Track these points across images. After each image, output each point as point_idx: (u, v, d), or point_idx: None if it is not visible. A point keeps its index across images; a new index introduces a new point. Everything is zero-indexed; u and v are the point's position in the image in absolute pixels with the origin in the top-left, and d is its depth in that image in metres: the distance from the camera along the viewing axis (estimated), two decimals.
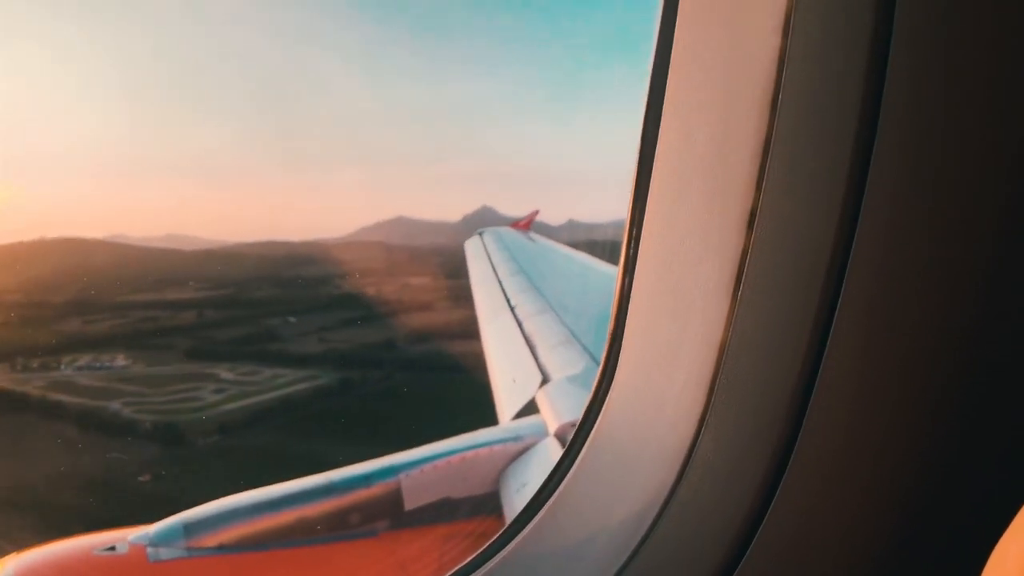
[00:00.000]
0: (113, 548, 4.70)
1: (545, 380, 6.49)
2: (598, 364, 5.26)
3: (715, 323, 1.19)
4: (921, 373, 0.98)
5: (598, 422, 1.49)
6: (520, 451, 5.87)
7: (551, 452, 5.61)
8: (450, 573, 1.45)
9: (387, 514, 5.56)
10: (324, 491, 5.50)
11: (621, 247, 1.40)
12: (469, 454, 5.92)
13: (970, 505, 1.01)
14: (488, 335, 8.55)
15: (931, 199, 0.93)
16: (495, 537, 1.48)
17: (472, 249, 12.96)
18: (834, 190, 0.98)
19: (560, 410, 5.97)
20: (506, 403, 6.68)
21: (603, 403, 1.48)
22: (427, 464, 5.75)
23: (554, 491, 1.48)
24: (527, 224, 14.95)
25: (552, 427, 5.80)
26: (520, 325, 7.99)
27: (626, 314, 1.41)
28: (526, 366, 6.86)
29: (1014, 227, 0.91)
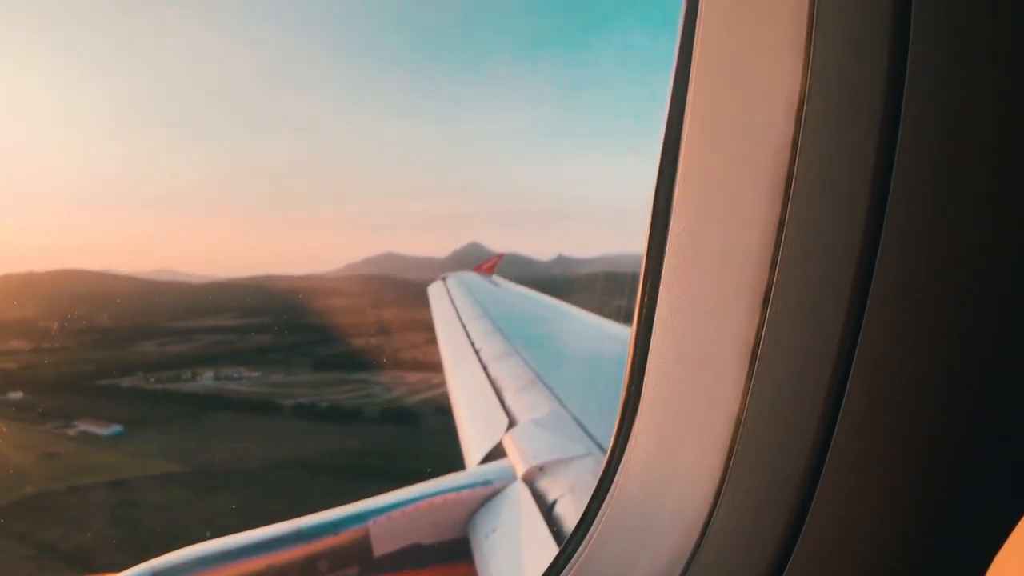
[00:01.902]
0: None
1: (512, 423, 6.53)
2: (563, 406, 5.33)
3: (731, 395, 1.24)
4: (932, 440, 1.04)
5: (613, 491, 1.51)
6: (489, 495, 5.88)
7: (519, 496, 5.63)
8: None
9: (356, 561, 5.51)
10: (292, 538, 5.44)
11: (632, 322, 1.44)
12: (437, 499, 5.91)
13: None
14: (453, 379, 8.56)
15: (940, 277, 0.99)
16: None
17: (436, 294, 12.95)
18: (844, 272, 1.03)
19: (527, 453, 6.00)
20: (473, 447, 6.69)
21: (617, 473, 1.50)
22: (395, 510, 5.73)
23: (569, 560, 1.51)
24: (491, 268, 14.97)
25: (520, 470, 5.83)
26: (485, 369, 8.02)
27: (641, 382, 1.44)
28: (492, 410, 6.90)
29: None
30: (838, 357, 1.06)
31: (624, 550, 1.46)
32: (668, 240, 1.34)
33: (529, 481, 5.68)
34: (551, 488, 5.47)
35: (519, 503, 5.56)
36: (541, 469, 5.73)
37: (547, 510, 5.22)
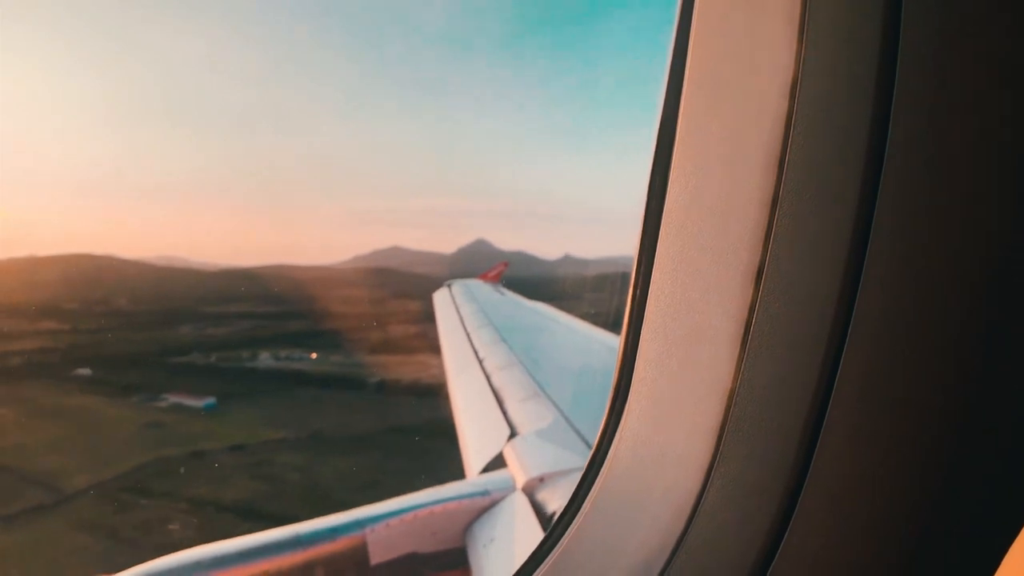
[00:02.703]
0: None
1: (513, 434, 6.49)
2: (566, 418, 5.30)
3: (723, 373, 1.24)
4: (924, 420, 1.03)
5: (603, 471, 1.50)
6: (488, 506, 5.85)
7: (519, 507, 5.59)
8: None
9: (352, 569, 5.47)
10: (288, 544, 5.41)
11: (627, 294, 1.43)
12: (436, 508, 5.87)
13: (981, 544, 1.05)
14: (456, 387, 8.54)
15: (932, 257, 0.99)
16: None
17: (440, 300, 12.97)
18: (838, 248, 1.04)
19: (528, 464, 5.96)
20: (473, 457, 6.66)
21: (608, 452, 1.50)
22: (393, 518, 5.69)
23: (557, 542, 1.49)
24: (496, 276, 15.02)
25: (520, 481, 5.79)
26: (488, 378, 8.00)
27: (633, 361, 1.43)
28: (494, 419, 6.87)
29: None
30: (831, 336, 1.06)
31: (613, 530, 1.44)
32: (662, 218, 1.34)
33: (529, 492, 5.64)
34: (551, 500, 5.43)
35: (518, 514, 5.52)
36: (542, 480, 5.70)
37: (547, 522, 5.17)
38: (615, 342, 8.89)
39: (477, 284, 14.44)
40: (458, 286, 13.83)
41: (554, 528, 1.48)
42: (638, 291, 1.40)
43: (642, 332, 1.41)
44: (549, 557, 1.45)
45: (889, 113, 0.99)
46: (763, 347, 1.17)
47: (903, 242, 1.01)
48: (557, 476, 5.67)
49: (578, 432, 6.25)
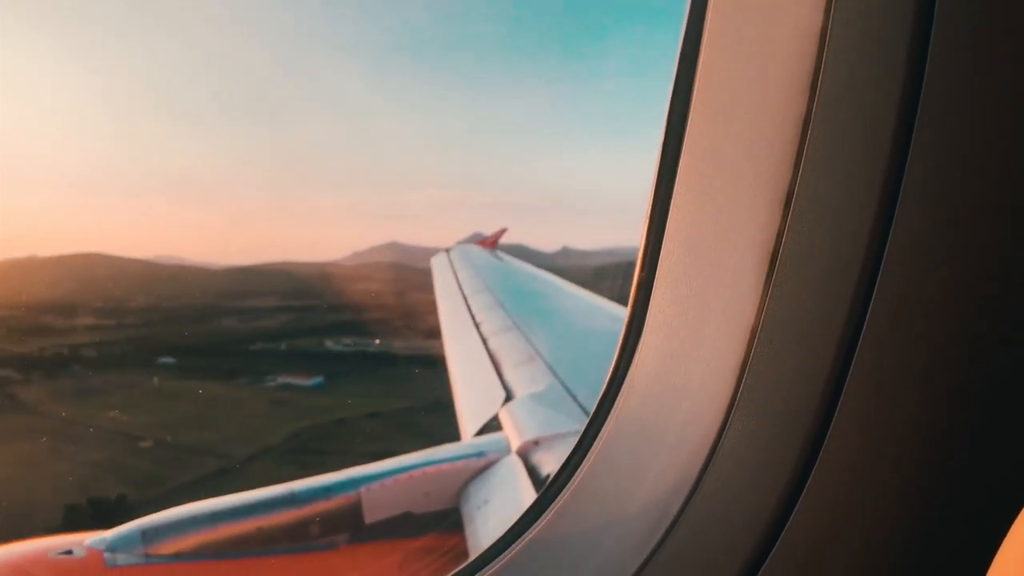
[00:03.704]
0: (70, 552, 4.60)
1: (509, 397, 6.51)
2: (562, 383, 5.26)
3: (746, 306, 1.14)
4: (957, 362, 0.98)
5: (616, 407, 1.41)
6: (482, 467, 5.87)
7: (513, 469, 5.62)
8: (468, 562, 1.43)
9: (347, 527, 5.50)
10: (284, 502, 5.43)
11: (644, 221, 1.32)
12: (431, 469, 5.89)
13: (994, 502, 1.01)
14: (452, 351, 8.54)
15: (973, 181, 0.93)
16: (507, 529, 1.45)
17: (438, 266, 12.94)
18: (873, 171, 0.96)
19: (523, 428, 5.98)
20: (469, 419, 6.68)
21: (621, 387, 1.40)
22: (388, 478, 5.72)
23: (569, 480, 1.43)
24: (493, 242, 14.97)
25: (515, 444, 5.81)
26: (485, 342, 8.00)
27: (649, 292, 1.33)
28: (490, 383, 6.88)
29: None
30: (863, 267, 0.98)
31: (625, 472, 1.38)
32: (683, 142, 1.22)
33: (524, 455, 5.66)
34: (545, 462, 5.45)
35: (513, 476, 5.54)
36: (536, 443, 5.71)
37: (541, 484, 5.20)
38: (612, 308, 8.84)
39: (476, 250, 14.38)
40: (456, 252, 13.78)
41: (565, 464, 1.42)
42: (656, 217, 1.29)
43: (659, 262, 1.30)
44: (562, 494, 1.40)
45: (930, 29, 0.92)
46: (789, 278, 1.08)
47: (943, 163, 0.93)
48: (552, 439, 5.69)
49: (574, 396, 6.27)
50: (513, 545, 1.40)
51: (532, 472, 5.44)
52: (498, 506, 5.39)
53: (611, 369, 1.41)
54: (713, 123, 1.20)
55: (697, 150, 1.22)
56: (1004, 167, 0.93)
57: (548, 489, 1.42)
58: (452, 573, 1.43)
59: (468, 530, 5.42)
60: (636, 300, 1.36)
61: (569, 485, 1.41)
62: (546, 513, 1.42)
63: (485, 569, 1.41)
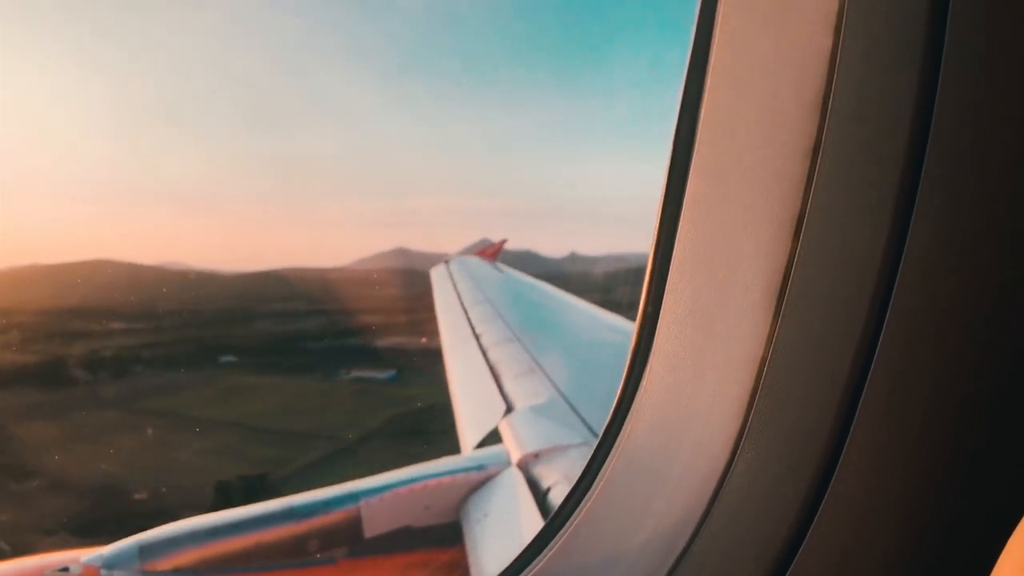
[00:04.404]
0: (66, 569, 4.56)
1: (509, 409, 6.48)
2: (562, 395, 5.25)
3: (755, 335, 1.13)
4: (970, 392, 0.95)
5: (621, 437, 1.39)
6: (482, 480, 5.84)
7: (513, 482, 5.59)
8: None
9: (346, 541, 5.47)
10: (282, 516, 5.40)
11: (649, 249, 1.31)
12: (431, 482, 5.86)
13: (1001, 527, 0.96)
14: (452, 363, 8.52)
15: (985, 208, 0.91)
16: (509, 564, 1.43)
17: (438, 277, 12.94)
18: (885, 197, 0.94)
19: (523, 440, 5.95)
20: (469, 431, 6.65)
21: (627, 416, 1.38)
22: (388, 491, 5.68)
23: (573, 512, 1.41)
24: (494, 253, 15.00)
25: (515, 457, 5.78)
26: (484, 354, 7.98)
27: (656, 319, 1.31)
28: (490, 395, 6.85)
29: None
30: (875, 297, 0.96)
31: (630, 505, 1.36)
32: (691, 165, 1.20)
33: (524, 468, 5.63)
34: (546, 475, 5.42)
35: (513, 489, 5.51)
36: (536, 456, 5.68)
37: (541, 497, 5.17)
38: (613, 320, 8.85)
39: (475, 261, 14.40)
40: (456, 263, 13.82)
41: (568, 499, 1.40)
42: (662, 243, 1.27)
43: (665, 288, 1.29)
44: (567, 526, 1.38)
45: (941, 52, 0.89)
46: (799, 306, 1.06)
47: (955, 190, 0.91)
48: (552, 452, 5.66)
49: (574, 408, 6.24)
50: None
51: (532, 485, 5.41)
52: (498, 519, 5.36)
53: (616, 398, 1.40)
54: (721, 146, 1.18)
55: (705, 173, 1.20)
56: (1019, 188, 0.90)
57: (552, 522, 1.41)
58: None
59: (468, 544, 5.38)
60: (641, 327, 1.34)
61: (573, 518, 1.40)
62: (549, 547, 1.41)
63: None
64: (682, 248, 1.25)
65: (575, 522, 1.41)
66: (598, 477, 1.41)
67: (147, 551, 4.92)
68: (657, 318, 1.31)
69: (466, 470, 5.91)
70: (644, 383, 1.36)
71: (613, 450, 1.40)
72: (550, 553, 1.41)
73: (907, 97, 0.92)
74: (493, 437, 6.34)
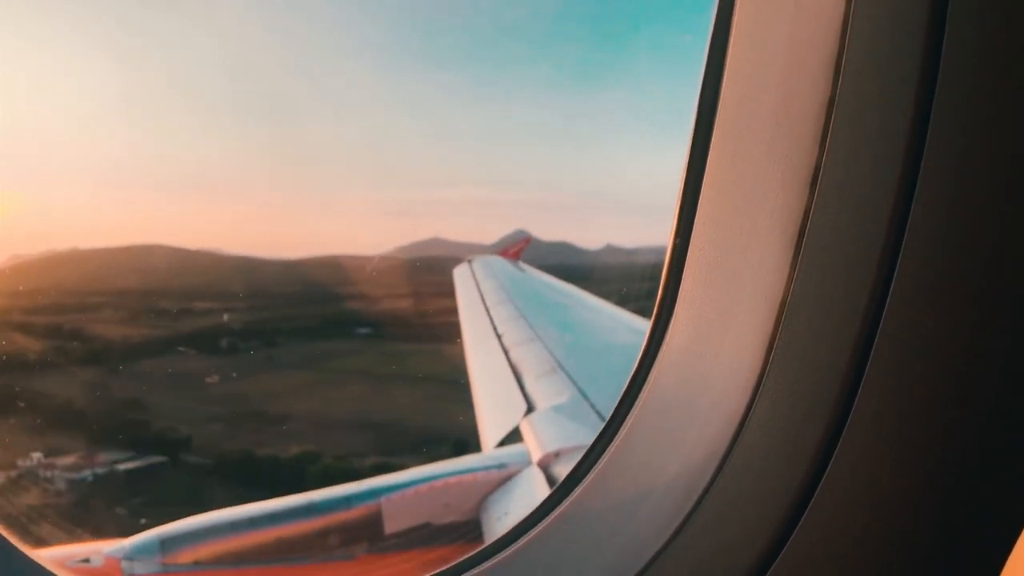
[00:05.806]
0: (88, 560, 4.58)
1: (530, 409, 6.47)
2: (583, 395, 5.21)
3: (774, 281, 1.17)
4: (980, 339, 0.99)
5: (648, 383, 1.44)
6: (503, 479, 5.82)
7: (534, 481, 5.57)
8: (502, 535, 1.43)
9: (366, 537, 5.47)
10: (303, 511, 5.41)
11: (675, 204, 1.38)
12: (452, 480, 5.86)
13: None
14: (474, 362, 8.53)
15: (992, 156, 0.94)
16: (540, 502, 1.46)
17: (461, 277, 12.99)
18: (896, 147, 0.98)
19: (544, 439, 5.94)
20: (490, 430, 6.64)
21: (653, 363, 1.43)
22: (409, 488, 5.68)
23: (602, 454, 1.45)
24: (516, 253, 15.03)
25: (536, 456, 5.76)
26: (506, 353, 7.99)
27: (680, 270, 1.37)
28: (511, 394, 6.85)
29: None
30: (887, 243, 0.99)
31: (655, 445, 1.39)
32: (715, 121, 1.27)
33: (544, 467, 5.61)
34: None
35: (533, 488, 5.49)
36: (557, 455, 5.66)
37: None
38: (633, 320, 8.81)
39: (498, 261, 14.44)
40: (479, 263, 13.86)
41: (599, 439, 1.43)
42: (687, 196, 1.33)
43: (691, 239, 1.34)
44: (595, 467, 1.41)
45: (947, 7, 0.93)
46: (817, 253, 1.10)
47: (963, 139, 0.95)
48: (573, 451, 5.63)
49: (595, 408, 6.22)
50: (546, 518, 1.43)
51: (553, 484, 5.38)
52: (517, 518, 5.34)
53: (643, 345, 1.44)
54: (741, 107, 1.25)
55: (726, 134, 1.27)
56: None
57: (580, 464, 1.45)
58: (489, 543, 1.44)
59: (487, 541, 5.36)
60: (668, 278, 1.39)
61: (601, 459, 1.44)
62: (578, 487, 1.44)
63: (520, 540, 1.45)
64: (705, 202, 1.32)
65: (603, 462, 1.44)
66: (626, 419, 1.45)
67: (169, 544, 4.94)
68: (682, 268, 1.37)
69: (487, 468, 5.91)
70: (670, 330, 1.41)
71: (640, 393, 1.45)
72: (579, 491, 1.44)
73: (914, 57, 0.96)
74: (514, 436, 6.32)
